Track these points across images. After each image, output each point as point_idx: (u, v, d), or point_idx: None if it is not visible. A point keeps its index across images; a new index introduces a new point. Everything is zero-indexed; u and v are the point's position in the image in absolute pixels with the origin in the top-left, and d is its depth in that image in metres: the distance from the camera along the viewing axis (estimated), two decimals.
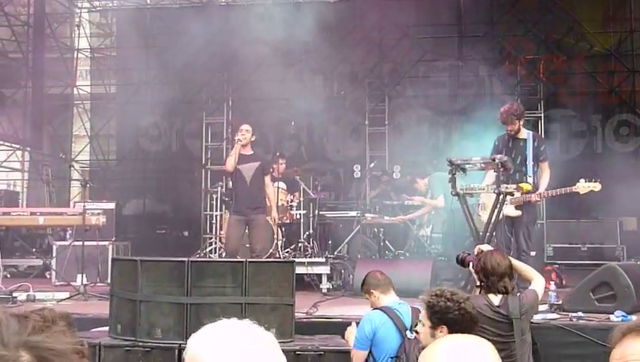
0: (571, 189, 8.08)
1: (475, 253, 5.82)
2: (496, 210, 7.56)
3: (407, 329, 5.27)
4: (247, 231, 9.06)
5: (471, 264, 5.76)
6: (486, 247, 5.81)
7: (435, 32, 13.20)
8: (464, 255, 6.00)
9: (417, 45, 13.01)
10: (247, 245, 9.19)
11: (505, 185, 7.52)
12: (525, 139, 8.42)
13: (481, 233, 7.58)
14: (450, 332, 4.10)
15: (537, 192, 8.16)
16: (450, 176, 7.69)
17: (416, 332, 5.19)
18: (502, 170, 7.58)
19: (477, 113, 11.00)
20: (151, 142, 14.79)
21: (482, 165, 7.91)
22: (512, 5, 13.03)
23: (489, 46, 12.98)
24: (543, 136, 13.02)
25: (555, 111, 13.08)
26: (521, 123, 8.46)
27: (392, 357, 5.36)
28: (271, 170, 10.86)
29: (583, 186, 7.95)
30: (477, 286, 5.56)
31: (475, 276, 5.58)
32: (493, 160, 7.63)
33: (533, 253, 9.61)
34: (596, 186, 7.93)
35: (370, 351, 5.43)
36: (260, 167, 9.23)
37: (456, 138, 12.16)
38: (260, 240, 9.11)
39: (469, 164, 7.77)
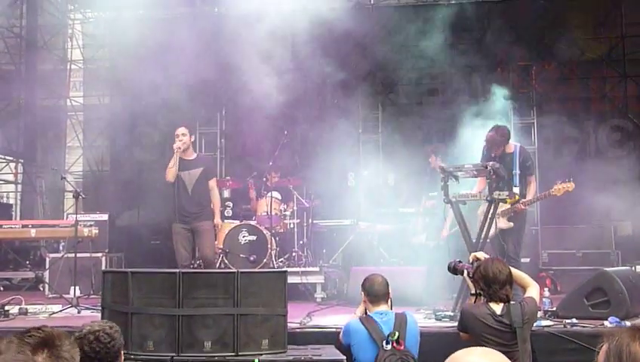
0: (548, 193, 8.19)
1: (470, 260, 5.81)
2: (489, 218, 7.58)
3: (383, 340, 5.24)
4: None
5: (465, 271, 5.74)
6: (481, 255, 5.79)
7: (427, 39, 13.21)
8: (456, 262, 5.98)
9: (410, 52, 13.02)
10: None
11: (497, 192, 7.53)
12: (512, 153, 8.47)
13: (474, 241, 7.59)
14: None
15: (522, 201, 8.24)
16: (442, 183, 7.70)
17: (394, 342, 5.19)
18: (494, 176, 7.58)
19: (470, 120, 11.00)
20: (144, 152, 14.74)
21: (474, 172, 7.92)
22: (504, 12, 13.06)
23: (481, 53, 13.01)
24: (535, 142, 13.08)
25: (548, 117, 13.09)
26: (507, 145, 8.52)
27: None
28: (264, 179, 10.89)
29: (557, 188, 8.07)
30: (472, 295, 5.54)
31: (471, 284, 5.56)
32: (486, 167, 7.64)
33: (526, 260, 9.64)
34: (570, 186, 8.05)
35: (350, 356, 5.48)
36: (204, 173, 9.20)
37: (450, 145, 12.16)
38: (210, 245, 9.20)
39: (461, 171, 7.78)
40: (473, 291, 5.51)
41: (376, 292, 5.62)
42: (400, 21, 12.89)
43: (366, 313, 5.62)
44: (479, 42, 13.03)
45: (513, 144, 8.69)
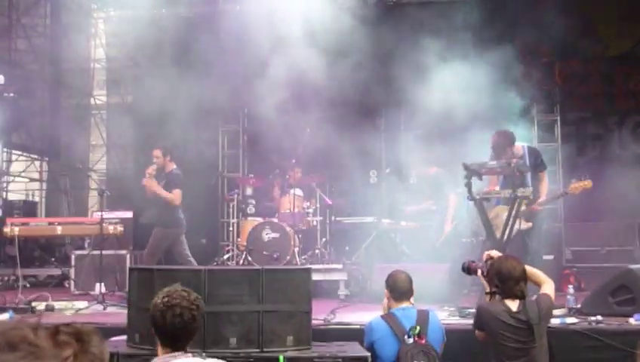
0: (565, 191, 8.17)
1: (484, 259, 5.80)
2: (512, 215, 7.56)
3: (405, 334, 5.28)
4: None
5: (479, 271, 5.74)
6: (495, 253, 5.79)
7: (449, 35, 13.17)
8: (469, 262, 5.98)
9: (432, 48, 12.98)
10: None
11: (521, 189, 7.51)
12: (521, 156, 8.46)
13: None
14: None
15: (538, 201, 8.23)
16: (465, 181, 7.68)
17: (415, 335, 5.22)
18: (518, 174, 7.56)
19: (491, 117, 10.96)
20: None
21: (498, 170, 7.90)
22: (527, 8, 12.98)
23: (503, 49, 12.93)
24: (559, 138, 13.00)
25: (571, 114, 13.02)
26: (513, 148, 8.49)
27: None
28: (287, 176, 10.93)
29: (575, 186, 8.05)
30: (486, 293, 5.55)
31: (486, 282, 5.56)
32: (510, 164, 7.62)
33: (550, 257, 9.61)
34: (587, 184, 8.04)
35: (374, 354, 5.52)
36: (166, 186, 9.76)
37: (472, 141, 12.12)
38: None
39: (484, 168, 7.76)
40: (488, 290, 5.51)
41: (399, 288, 5.65)
42: (421, 18, 12.85)
43: (388, 309, 5.66)
44: (501, 38, 12.95)
45: (520, 145, 8.68)
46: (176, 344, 3.97)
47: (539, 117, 13.00)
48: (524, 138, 9.69)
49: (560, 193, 8.59)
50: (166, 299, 4.02)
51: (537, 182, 8.47)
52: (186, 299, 4.04)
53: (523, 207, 7.95)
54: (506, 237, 7.54)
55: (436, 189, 10.70)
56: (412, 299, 5.68)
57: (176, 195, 9.58)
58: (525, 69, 12.97)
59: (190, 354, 3.98)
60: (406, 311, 5.49)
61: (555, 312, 6.98)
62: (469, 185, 7.64)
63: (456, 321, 7.12)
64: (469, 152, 10.33)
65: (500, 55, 12.51)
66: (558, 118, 13.16)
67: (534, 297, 5.45)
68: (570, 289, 7.86)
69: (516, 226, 7.60)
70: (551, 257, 10.13)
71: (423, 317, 5.44)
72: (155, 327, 4.00)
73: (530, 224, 8.29)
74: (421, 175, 10.83)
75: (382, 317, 5.57)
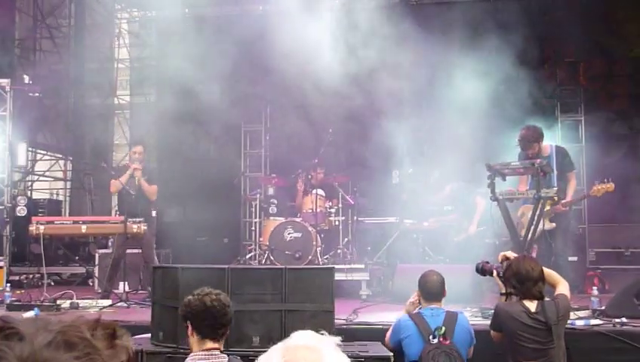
0: (588, 193, 8.13)
1: (499, 260, 5.76)
2: (536, 216, 7.52)
3: (430, 334, 5.28)
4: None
5: (494, 272, 5.71)
6: (510, 254, 5.75)
7: (471, 34, 13.11)
8: (484, 263, 5.96)
9: (453, 47, 12.93)
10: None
11: (545, 190, 7.47)
12: (548, 156, 8.41)
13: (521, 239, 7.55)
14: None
15: (562, 201, 8.18)
16: (488, 181, 7.65)
17: (440, 336, 5.22)
18: (542, 174, 7.52)
19: (515, 117, 10.91)
20: (190, 150, 14.92)
21: (521, 170, 7.87)
22: (551, 8, 12.91)
23: (527, 49, 12.86)
24: (583, 139, 12.90)
25: (596, 114, 12.91)
26: (541, 144, 8.44)
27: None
28: (309, 176, 10.94)
29: (597, 189, 8.01)
30: (502, 294, 5.52)
31: (501, 283, 5.54)
32: (533, 164, 7.58)
33: (574, 259, 9.54)
34: (609, 187, 8.00)
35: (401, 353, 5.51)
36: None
37: (494, 142, 12.06)
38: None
39: (507, 168, 7.73)
40: (504, 291, 5.49)
41: (430, 289, 5.66)
42: (444, 18, 12.81)
43: (417, 309, 5.67)
44: (525, 38, 12.88)
45: (549, 145, 8.64)
46: (217, 330, 4.13)
47: (563, 117, 12.91)
48: (548, 139, 9.63)
49: (582, 196, 8.55)
50: (198, 292, 4.33)
51: (564, 183, 8.42)
52: (214, 290, 4.37)
53: (548, 207, 7.91)
54: (529, 237, 7.51)
55: (459, 204, 10.71)
56: (443, 301, 5.68)
57: (155, 190, 9.90)
58: (549, 70, 12.91)
59: (226, 356, 4.12)
60: (434, 312, 5.50)
61: (580, 314, 6.96)
62: (492, 186, 7.62)
63: (479, 322, 7.09)
64: (492, 153, 10.31)
65: (523, 55, 12.46)
66: (583, 119, 13.06)
67: (552, 297, 5.41)
68: (595, 291, 7.81)
69: (540, 227, 7.56)
70: (575, 259, 10.07)
71: (451, 319, 5.44)
72: (194, 317, 4.15)
73: (553, 225, 8.24)
74: (439, 197, 10.87)
75: (410, 316, 5.57)
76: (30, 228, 9.17)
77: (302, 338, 1.68)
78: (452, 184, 10.83)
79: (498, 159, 8.47)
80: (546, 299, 5.28)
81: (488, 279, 8.42)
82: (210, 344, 4.18)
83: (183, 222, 14.46)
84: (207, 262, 10.59)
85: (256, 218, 11.96)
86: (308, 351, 1.66)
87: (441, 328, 5.28)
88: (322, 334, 1.73)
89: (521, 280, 5.24)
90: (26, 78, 12.94)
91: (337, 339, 1.70)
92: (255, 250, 11.64)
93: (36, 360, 1.08)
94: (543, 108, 12.47)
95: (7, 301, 8.61)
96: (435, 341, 5.26)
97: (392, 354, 5.63)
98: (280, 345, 1.71)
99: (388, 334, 5.85)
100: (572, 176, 8.55)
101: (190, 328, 4.26)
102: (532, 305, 5.18)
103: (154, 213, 10.39)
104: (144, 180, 9.71)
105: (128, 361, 1.25)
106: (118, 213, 9.84)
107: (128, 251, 9.63)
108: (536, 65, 13.07)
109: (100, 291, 10.45)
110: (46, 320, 1.16)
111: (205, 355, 4.12)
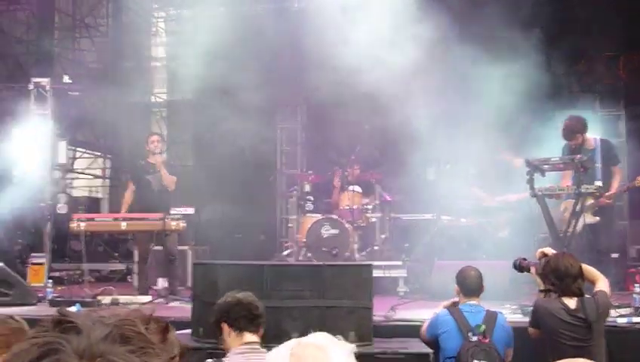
0: (632, 184, 8.03)
1: (537, 256, 5.70)
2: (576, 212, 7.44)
3: (470, 332, 5.25)
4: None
5: (532, 269, 5.66)
6: (548, 250, 5.68)
7: (510, 30, 12.98)
8: (521, 260, 5.90)
9: (493, 41, 12.81)
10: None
11: (585, 186, 7.38)
12: (593, 149, 8.31)
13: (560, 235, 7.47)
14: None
15: (606, 194, 8.07)
16: (528, 177, 7.58)
17: (480, 334, 5.19)
18: (582, 170, 7.43)
19: (553, 113, 10.80)
20: (226, 147, 14.99)
21: (561, 165, 7.78)
22: (590, 1, 12.73)
23: (566, 44, 12.71)
24: (623, 134, 12.71)
25: (637, 108, 12.71)
26: (585, 136, 8.35)
27: (449, 358, 5.38)
28: (346, 173, 10.94)
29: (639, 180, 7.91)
30: (540, 291, 5.46)
31: (540, 280, 5.48)
32: (573, 160, 7.50)
33: (615, 255, 9.41)
34: None
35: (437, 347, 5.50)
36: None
37: (533, 137, 11.96)
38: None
39: (547, 164, 7.65)
40: (542, 288, 5.43)
41: (469, 285, 5.64)
42: (481, 12, 12.70)
43: (456, 304, 5.64)
44: (564, 32, 12.73)
45: (593, 137, 8.53)
46: (253, 321, 4.20)
47: (602, 112, 12.74)
48: (589, 133, 9.51)
49: (625, 187, 8.41)
50: (227, 294, 4.48)
51: (609, 177, 8.32)
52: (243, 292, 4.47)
53: (591, 201, 7.82)
54: (569, 233, 7.42)
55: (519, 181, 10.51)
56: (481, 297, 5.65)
57: (174, 180, 9.96)
58: (589, 64, 12.74)
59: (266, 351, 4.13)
60: (474, 308, 5.47)
61: (621, 311, 6.86)
62: (530, 182, 7.54)
63: (518, 319, 7.03)
64: (530, 148, 10.21)
65: (562, 49, 12.33)
66: (624, 113, 12.87)
67: (592, 294, 5.35)
68: (637, 288, 7.69)
69: (581, 222, 7.47)
70: (616, 255, 9.93)
71: (491, 318, 5.41)
72: (229, 312, 4.21)
73: (597, 218, 8.13)
74: (510, 165, 10.60)
75: (449, 311, 5.55)
76: (71, 225, 9.30)
77: (315, 338, 1.70)
78: (520, 195, 10.60)
79: (535, 155, 8.39)
80: (586, 295, 5.22)
81: (527, 276, 8.39)
82: (248, 337, 4.22)
83: (220, 219, 14.54)
84: (243, 258, 10.66)
85: (292, 215, 11.98)
86: (316, 350, 1.68)
87: (480, 326, 5.25)
88: (338, 338, 1.74)
89: (559, 276, 5.19)
90: (66, 78, 13.09)
91: (353, 346, 1.71)
92: (292, 246, 11.66)
93: (93, 353, 1.09)
94: (582, 102, 12.31)
95: (49, 297, 8.73)
96: (475, 338, 5.23)
97: (431, 351, 5.61)
98: (293, 340, 1.73)
99: (424, 327, 5.83)
100: (617, 170, 8.44)
101: (226, 327, 4.28)
102: (571, 302, 5.12)
103: (191, 210, 10.47)
104: (165, 171, 9.72)
105: (181, 355, 1.26)
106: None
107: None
108: (574, 59, 12.93)
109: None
110: (101, 314, 1.18)
111: (247, 349, 4.16)
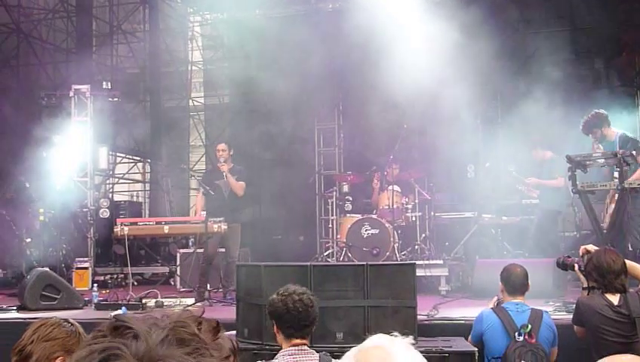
0: None
1: (580, 253, 5.64)
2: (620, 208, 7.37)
3: (516, 332, 5.22)
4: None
5: (576, 266, 5.61)
6: (591, 247, 5.61)
7: (547, 25, 12.91)
8: (565, 257, 5.85)
9: (529, 39, 12.74)
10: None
11: (629, 181, 7.30)
12: (613, 142, 8.28)
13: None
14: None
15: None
16: (569, 173, 7.53)
17: (526, 334, 5.16)
18: (625, 165, 7.36)
19: (594, 107, 10.70)
20: (264, 149, 15.10)
21: (603, 161, 7.71)
22: None
23: (605, 38, 12.58)
24: None
25: None
26: (604, 130, 8.33)
27: (495, 358, 5.35)
28: (385, 173, 10.94)
29: None
30: (584, 289, 5.41)
31: (583, 277, 5.43)
32: (615, 155, 7.42)
33: None
34: None
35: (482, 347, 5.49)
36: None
37: (573, 134, 11.85)
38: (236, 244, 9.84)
39: (589, 160, 7.58)
40: (585, 285, 5.37)
41: (513, 282, 5.59)
42: (520, 12, 12.63)
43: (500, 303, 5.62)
44: (602, 26, 12.60)
45: (614, 131, 8.52)
46: (301, 330, 4.23)
47: None
48: (628, 129, 9.41)
49: None
50: (281, 291, 4.40)
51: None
52: (299, 289, 4.43)
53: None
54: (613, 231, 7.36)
55: (552, 173, 10.43)
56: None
57: (242, 186, 9.94)
58: (628, 57, 12.60)
59: (315, 353, 4.19)
60: (519, 307, 5.42)
61: None
62: (573, 178, 7.49)
63: (563, 316, 6.98)
64: (569, 144, 10.12)
65: (601, 43, 12.21)
66: None
67: (636, 290, 5.29)
68: None
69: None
70: None
71: (537, 317, 5.37)
72: (278, 318, 4.25)
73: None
74: (537, 158, 10.54)
75: (493, 309, 5.53)
76: (115, 230, 9.44)
77: (373, 341, 1.73)
78: (551, 153, 10.49)
79: (575, 150, 8.33)
80: (630, 291, 5.17)
81: (571, 273, 8.33)
82: (296, 340, 4.27)
83: (260, 220, 14.65)
84: (283, 259, 10.72)
85: (332, 215, 12.01)
86: (378, 351, 1.71)
87: (527, 326, 5.21)
88: (394, 336, 1.77)
89: (602, 273, 5.14)
90: (105, 84, 13.30)
91: (410, 339, 1.74)
92: (332, 247, 11.68)
93: (152, 357, 1.11)
94: (622, 96, 12.18)
95: (95, 300, 8.86)
96: (521, 338, 5.20)
97: (476, 349, 5.59)
98: (353, 350, 1.76)
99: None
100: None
101: (275, 327, 4.37)
102: (614, 299, 5.07)
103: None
104: (232, 178, 9.78)
105: (233, 354, 1.29)
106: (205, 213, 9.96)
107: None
108: (614, 53, 12.79)
109: (182, 289, 10.71)
110: (155, 317, 1.20)
111: (296, 350, 4.21)
